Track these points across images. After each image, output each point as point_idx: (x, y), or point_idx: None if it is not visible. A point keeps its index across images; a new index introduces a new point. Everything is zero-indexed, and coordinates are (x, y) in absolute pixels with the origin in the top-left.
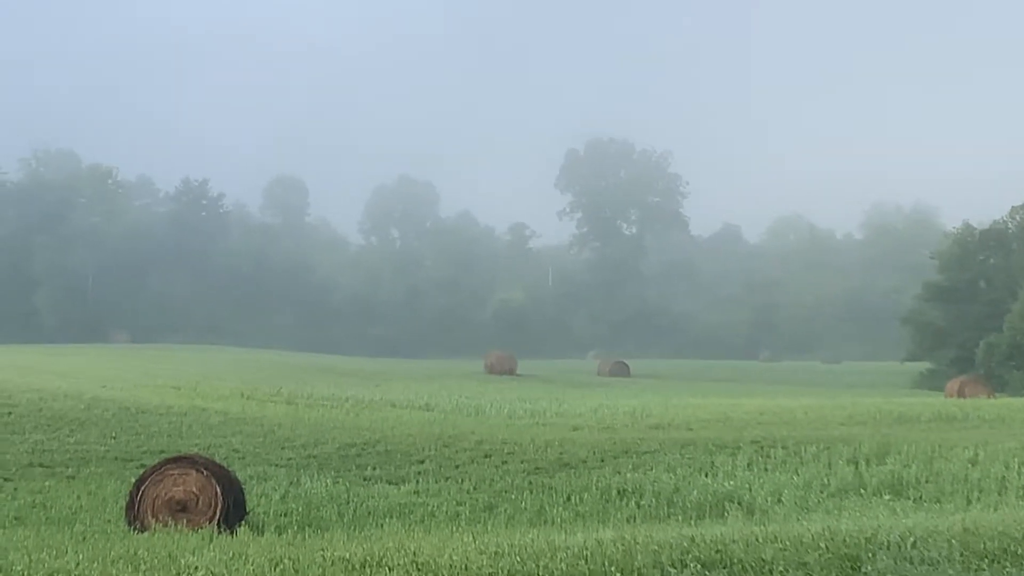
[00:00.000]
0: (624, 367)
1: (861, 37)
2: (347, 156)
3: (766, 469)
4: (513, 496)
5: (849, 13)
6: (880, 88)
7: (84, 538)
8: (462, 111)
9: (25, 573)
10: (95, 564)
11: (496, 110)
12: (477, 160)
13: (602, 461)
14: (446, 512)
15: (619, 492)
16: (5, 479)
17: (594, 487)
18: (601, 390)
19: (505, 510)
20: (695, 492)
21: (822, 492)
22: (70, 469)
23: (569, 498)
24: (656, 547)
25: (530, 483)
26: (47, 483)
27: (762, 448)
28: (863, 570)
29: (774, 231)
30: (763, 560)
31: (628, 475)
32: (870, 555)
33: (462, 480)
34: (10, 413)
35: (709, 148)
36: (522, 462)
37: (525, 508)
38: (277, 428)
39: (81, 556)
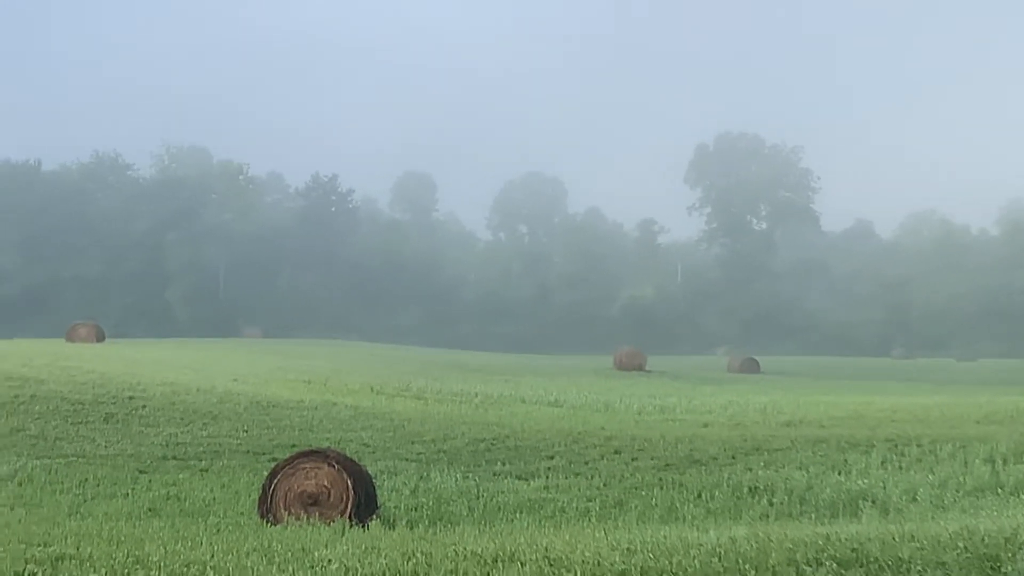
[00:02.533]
0: (754, 364)
1: (998, 31)
2: (475, 152)
3: (900, 467)
4: (643, 493)
5: (987, 6)
6: (1017, 82)
7: (218, 530)
8: (590, 107)
9: (161, 564)
10: (229, 556)
11: (624, 105)
12: (605, 156)
13: (733, 458)
14: (576, 508)
15: (750, 489)
16: (140, 471)
17: (725, 484)
18: (731, 387)
19: (635, 506)
20: (828, 490)
21: (958, 491)
22: (203, 462)
23: (700, 495)
24: (791, 545)
25: (660, 480)
26: (181, 475)
27: (896, 446)
28: (1003, 570)
29: (907, 227)
30: (900, 559)
31: (759, 472)
32: (1010, 555)
33: (592, 476)
34: (144, 407)
35: (841, 143)
36: (652, 458)
37: (656, 505)
38: (407, 423)
39: (215, 548)
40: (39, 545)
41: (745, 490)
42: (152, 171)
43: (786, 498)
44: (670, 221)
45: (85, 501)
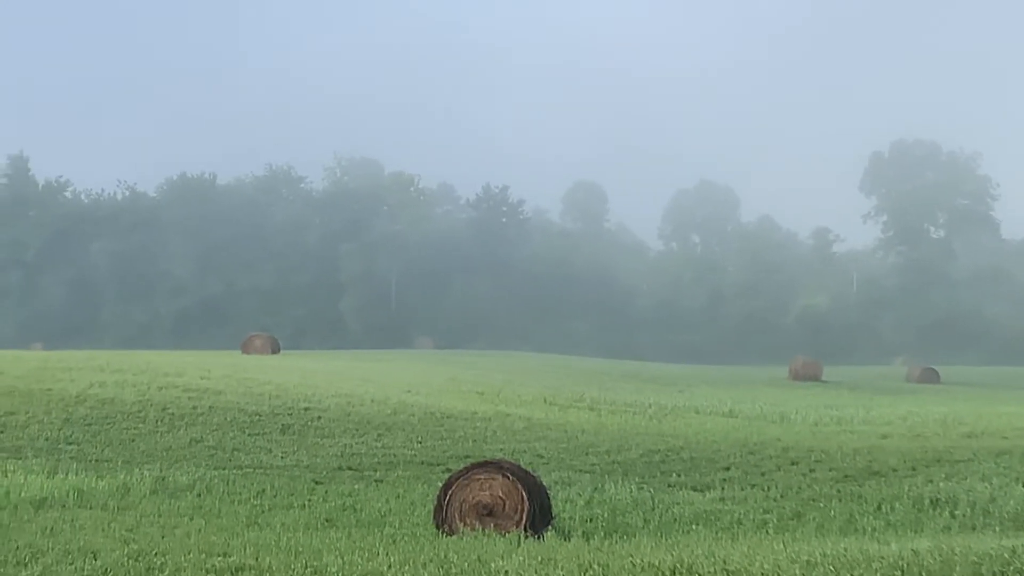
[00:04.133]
0: (933, 373)
1: None
2: (646, 160)
3: None
4: (821, 504)
5: None
6: None
7: (394, 541)
8: (762, 114)
9: (339, 574)
10: (406, 567)
11: (797, 112)
12: (778, 163)
13: (913, 469)
14: (753, 520)
15: (932, 501)
16: (316, 482)
17: (905, 496)
18: (910, 397)
19: (814, 518)
20: (1012, 502)
21: None
22: (378, 472)
23: (880, 507)
24: (975, 558)
25: (838, 491)
26: (356, 486)
27: None
28: None
29: None
30: None
31: (941, 484)
32: None
33: (768, 487)
34: (319, 418)
35: (1021, 149)
36: (830, 470)
37: (834, 516)
38: (580, 434)
39: (392, 559)
40: (218, 555)
41: (926, 502)
42: (324, 183)
43: (969, 510)
44: (845, 229)
45: (263, 512)
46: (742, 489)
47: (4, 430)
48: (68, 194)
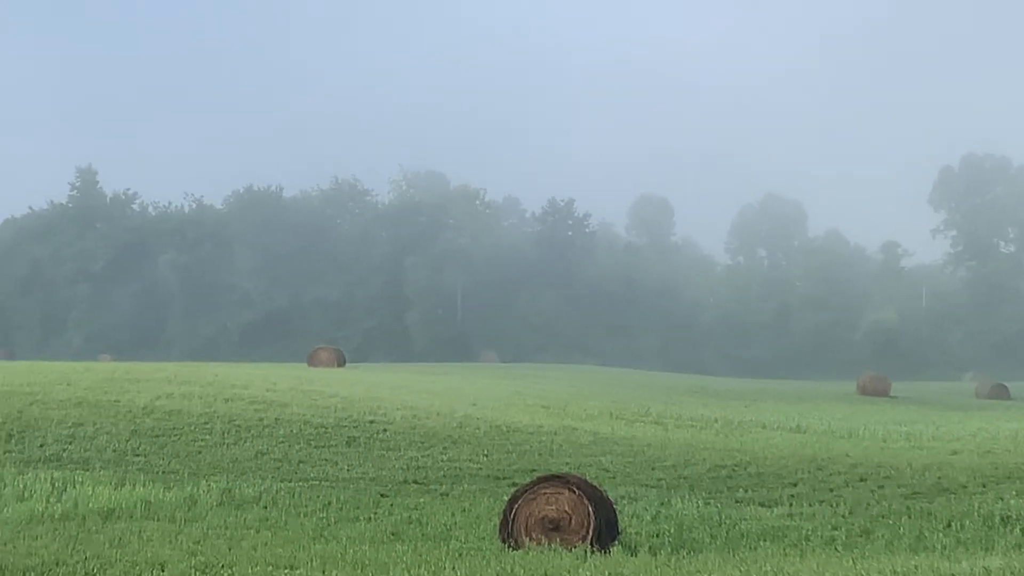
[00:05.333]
0: (1004, 389)
1: None
2: (712, 174)
3: None
4: (890, 521)
5: None
6: None
7: (460, 555)
8: (830, 126)
9: None
10: None
11: (865, 125)
12: (846, 177)
13: (983, 486)
14: (821, 536)
15: (1003, 519)
16: (382, 495)
17: (976, 513)
18: (980, 413)
19: (882, 535)
20: None
21: None
22: (444, 486)
23: (949, 524)
24: None
25: (908, 508)
26: (422, 499)
27: None
28: None
29: None
30: None
31: (1012, 501)
32: None
33: (837, 504)
34: (385, 431)
35: None
36: (899, 486)
37: (903, 534)
38: (646, 448)
39: (458, 573)
40: (285, 568)
41: (997, 519)
42: (390, 196)
43: None
44: (913, 244)
45: (328, 524)
46: (810, 505)
47: (73, 441)
48: (136, 207)
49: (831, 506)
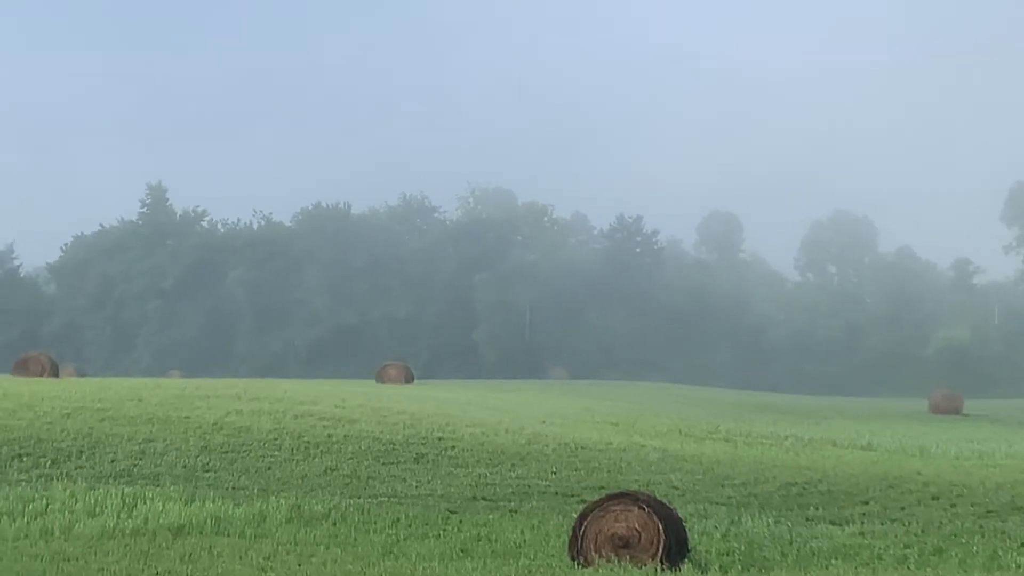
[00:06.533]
0: None
1: None
2: (781, 190)
3: None
4: (963, 540)
5: None
6: None
7: (529, 572)
8: (901, 143)
9: None
10: None
11: (936, 141)
12: (917, 194)
13: None
14: (893, 555)
15: None
16: (451, 511)
17: None
18: None
19: (956, 554)
20: None
21: None
22: (512, 503)
23: None
24: None
25: (981, 527)
26: (490, 516)
27: None
28: None
29: None
30: None
31: None
32: None
33: (909, 522)
34: (454, 447)
35: None
36: (972, 505)
37: (976, 553)
38: (716, 466)
39: None
40: None
41: None
42: (458, 213)
43: None
44: (985, 260)
45: (398, 541)
46: (882, 524)
47: (143, 457)
48: (205, 224)
49: (903, 524)
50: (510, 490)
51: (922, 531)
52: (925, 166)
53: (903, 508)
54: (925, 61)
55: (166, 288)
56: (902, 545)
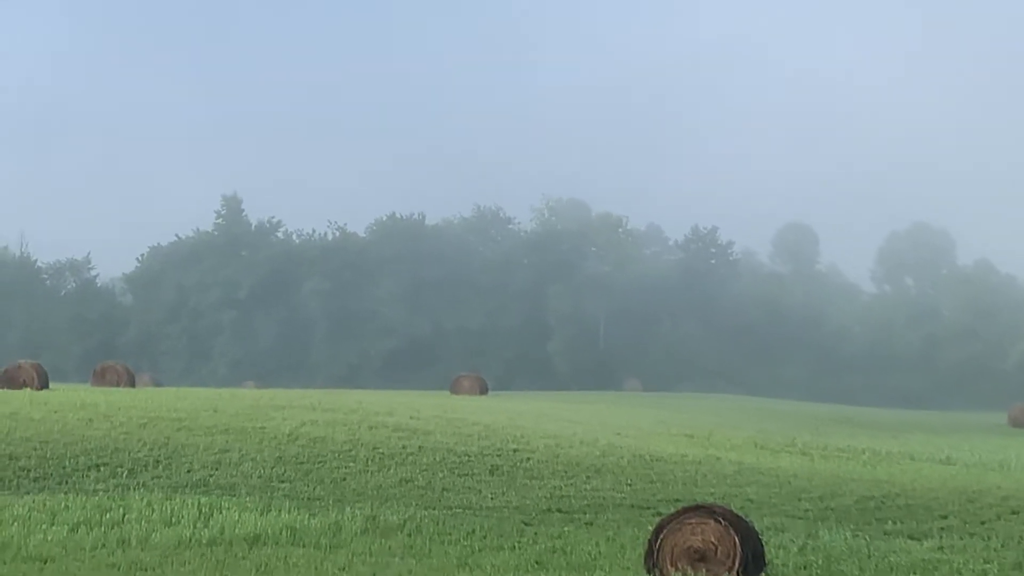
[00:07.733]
0: None
1: None
2: (858, 201)
3: None
4: None
5: None
6: None
7: None
8: (979, 155)
9: None
10: None
11: (1015, 154)
12: (995, 206)
13: None
14: (973, 570)
15: None
16: (525, 524)
17: None
18: None
19: None
20: None
21: None
22: (587, 515)
23: None
24: None
25: None
26: (565, 528)
27: None
28: None
29: None
30: None
31: None
32: None
33: (989, 537)
34: (528, 459)
35: None
36: None
37: None
38: (792, 479)
39: None
40: None
41: None
42: (532, 224)
43: None
44: None
45: (473, 553)
46: (961, 538)
47: (219, 467)
48: (280, 234)
49: (983, 539)
50: (585, 502)
51: (1002, 546)
52: (1004, 178)
53: (983, 523)
54: (1005, 77)
55: (241, 298)
56: (981, 560)
